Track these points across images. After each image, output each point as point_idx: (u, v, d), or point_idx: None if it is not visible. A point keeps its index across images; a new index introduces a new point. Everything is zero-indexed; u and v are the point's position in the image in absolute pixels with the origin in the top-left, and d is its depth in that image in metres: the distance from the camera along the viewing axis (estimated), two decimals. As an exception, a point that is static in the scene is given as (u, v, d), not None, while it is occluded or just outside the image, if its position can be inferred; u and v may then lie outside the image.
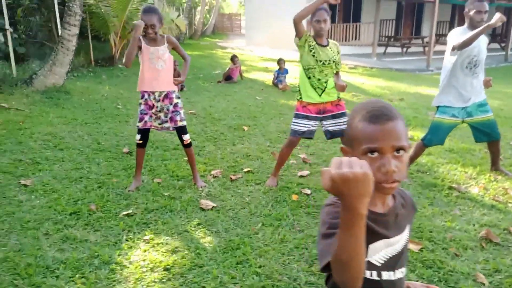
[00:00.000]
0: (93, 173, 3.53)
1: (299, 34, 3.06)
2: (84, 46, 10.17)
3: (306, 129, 3.20)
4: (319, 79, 3.12)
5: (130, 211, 2.83)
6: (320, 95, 3.16)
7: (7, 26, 7.09)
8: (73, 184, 3.29)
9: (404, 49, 15.47)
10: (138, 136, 3.25)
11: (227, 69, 8.86)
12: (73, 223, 2.66)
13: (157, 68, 3.14)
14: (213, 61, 12.92)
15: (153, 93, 3.18)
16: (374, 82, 9.28)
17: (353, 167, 0.74)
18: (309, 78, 3.15)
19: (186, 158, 3.91)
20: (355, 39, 15.11)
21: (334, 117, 3.21)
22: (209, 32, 27.03)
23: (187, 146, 3.30)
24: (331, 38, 15.69)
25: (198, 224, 2.68)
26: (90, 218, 2.73)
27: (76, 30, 6.66)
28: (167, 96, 3.19)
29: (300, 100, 3.22)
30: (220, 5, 32.15)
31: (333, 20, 16.14)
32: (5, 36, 7.36)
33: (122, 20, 10.13)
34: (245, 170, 3.64)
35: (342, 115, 3.23)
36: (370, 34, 14.98)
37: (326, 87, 3.14)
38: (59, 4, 8.50)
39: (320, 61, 3.08)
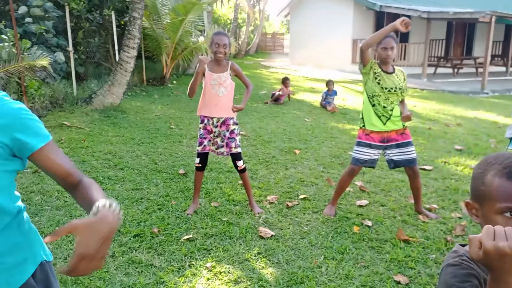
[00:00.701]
0: (152, 194, 3.62)
1: (364, 61, 3.02)
2: (137, 66, 10.62)
3: (368, 157, 3.12)
4: (384, 107, 3.05)
5: (191, 236, 2.86)
6: (384, 123, 3.08)
7: (70, 47, 7.56)
8: (135, 205, 3.38)
9: (455, 70, 14.92)
10: (197, 160, 3.30)
11: (278, 91, 8.79)
12: (137, 245, 2.72)
13: (217, 94, 3.19)
14: (258, 81, 13.07)
15: (212, 118, 3.23)
16: (426, 104, 8.98)
17: (509, 239, 0.69)
18: (373, 105, 3.08)
19: (241, 182, 3.95)
20: (403, 59, 14.80)
21: (398, 146, 3.11)
22: (252, 52, 27.50)
23: (242, 171, 3.30)
24: (377, 58, 15.47)
25: (259, 253, 2.65)
26: (153, 241, 2.78)
27: (134, 53, 6.98)
28: (224, 122, 3.23)
29: (363, 128, 3.15)
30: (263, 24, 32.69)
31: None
32: (67, 56, 7.85)
33: (174, 41, 10.53)
34: (301, 196, 3.59)
35: (408, 144, 3.11)
36: (419, 54, 14.61)
37: (391, 115, 3.06)
38: (116, 26, 8.98)
39: (386, 88, 3.02)
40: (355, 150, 3.17)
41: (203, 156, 3.30)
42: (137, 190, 3.69)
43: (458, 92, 11.30)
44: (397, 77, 3.05)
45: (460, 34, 17.98)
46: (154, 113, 7.30)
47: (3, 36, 5.76)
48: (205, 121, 3.26)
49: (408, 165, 3.12)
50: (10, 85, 5.03)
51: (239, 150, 3.26)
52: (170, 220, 3.11)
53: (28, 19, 7.59)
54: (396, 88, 3.02)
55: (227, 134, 3.24)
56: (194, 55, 11.96)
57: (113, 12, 8.99)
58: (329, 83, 8.19)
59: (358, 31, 15.92)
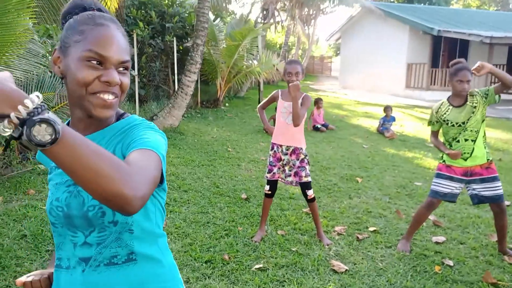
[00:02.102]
0: (218, 218, 3.63)
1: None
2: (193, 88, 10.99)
3: (449, 191, 2.94)
4: (465, 140, 2.89)
5: (262, 265, 2.80)
6: (465, 160, 2.91)
7: (136, 72, 7.96)
8: (202, 229, 3.40)
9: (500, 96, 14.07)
10: (267, 187, 3.29)
11: (310, 115, 8.23)
12: (210, 272, 2.71)
13: (286, 123, 3.18)
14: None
15: (281, 146, 3.22)
16: (492, 133, 8.47)
17: None
18: (450, 146, 2.96)
19: (305, 210, 3.87)
20: (461, 84, 14.21)
21: (483, 181, 2.91)
22: (300, 75, 27.60)
23: (311, 201, 3.23)
24: (433, 83, 14.98)
25: (335, 288, 2.55)
26: (224, 269, 2.75)
27: (195, 77, 7.21)
28: (294, 151, 3.20)
29: (443, 162, 3.00)
30: (312, 48, 32.83)
31: (435, 65, 15.45)
32: (132, 80, 8.27)
33: (229, 65, 10.80)
34: (371, 229, 3.45)
35: (494, 179, 2.90)
36: (480, 79, 13.97)
37: (472, 151, 2.89)
38: (176, 52, 9.38)
39: (457, 123, 2.88)
40: (434, 182, 3.00)
41: (273, 184, 3.28)
42: (203, 214, 3.72)
43: (525, 120, 10.61)
44: (470, 105, 2.87)
45: (523, 59, 17.05)
46: (211, 135, 7.45)
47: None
48: (275, 148, 3.26)
49: (494, 202, 2.90)
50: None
51: (309, 179, 3.20)
52: (239, 247, 3.08)
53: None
54: (464, 122, 2.86)
55: (297, 163, 3.19)
56: (247, 79, 12.19)
57: (174, 38, 9.40)
58: (387, 108, 7.99)
59: (413, 55, 15.55)
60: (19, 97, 0.64)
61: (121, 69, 0.91)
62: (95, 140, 0.95)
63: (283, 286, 2.58)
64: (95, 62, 0.88)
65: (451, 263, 2.88)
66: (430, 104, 12.99)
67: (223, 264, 2.82)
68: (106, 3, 6.35)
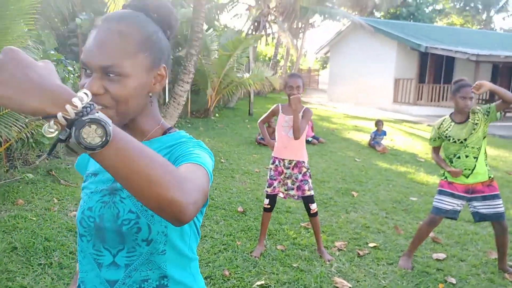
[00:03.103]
0: (215, 232, 3.54)
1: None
2: (184, 98, 10.91)
3: (450, 207, 2.94)
4: (466, 156, 2.90)
5: (263, 282, 2.74)
6: (467, 177, 2.92)
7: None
8: (200, 243, 3.31)
9: (503, 113, 14.42)
10: (266, 201, 3.24)
11: None
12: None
13: (288, 137, 3.16)
14: (299, 116, 13.08)
15: (283, 160, 3.19)
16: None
17: None
18: (451, 162, 2.97)
19: (303, 224, 3.83)
20: (445, 100, 14.48)
21: (485, 198, 2.92)
22: (288, 87, 27.79)
23: (313, 215, 3.19)
24: (420, 99, 15.25)
25: (340, 307, 2.49)
26: (225, 285, 2.68)
27: (188, 87, 7.17)
28: (296, 165, 3.17)
29: (445, 179, 3.00)
30: (299, 61, 33.15)
31: (422, 80, 15.75)
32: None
33: (220, 76, 10.79)
34: (371, 245, 3.42)
35: (495, 197, 2.92)
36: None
37: (473, 168, 2.90)
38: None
39: (458, 140, 2.90)
40: (437, 199, 3.00)
41: (272, 198, 3.24)
42: (200, 228, 3.63)
43: (509, 137, 10.84)
44: (472, 121, 2.89)
45: (505, 77, 17.52)
46: (203, 146, 7.36)
47: (69, 68, 6.04)
48: (276, 162, 3.22)
49: (496, 220, 2.91)
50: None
51: (312, 192, 3.17)
52: (239, 262, 3.01)
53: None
54: (465, 139, 2.88)
55: (300, 177, 3.16)
56: (238, 90, 12.18)
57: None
58: (378, 123, 8.05)
59: (401, 70, 15.83)
60: (67, 95, 0.58)
61: (111, 75, 0.79)
62: None
63: (287, 304, 2.52)
64: (84, 70, 0.82)
65: (453, 280, 2.86)
66: (417, 119, 13.19)
67: (224, 280, 2.74)
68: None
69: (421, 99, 15.24)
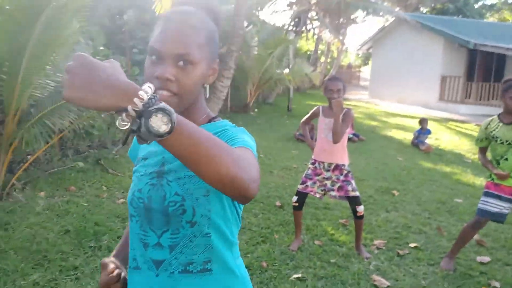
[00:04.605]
0: (253, 224, 3.61)
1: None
2: (224, 93, 11.07)
3: (497, 210, 2.83)
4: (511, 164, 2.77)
5: (300, 275, 2.76)
6: None
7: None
8: (239, 234, 3.38)
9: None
10: (295, 198, 3.22)
11: None
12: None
13: (328, 139, 3.11)
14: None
15: (323, 162, 3.16)
16: None
17: None
18: (498, 164, 2.84)
19: (341, 221, 3.81)
20: (495, 99, 13.74)
21: (535, 202, 2.78)
22: (328, 83, 27.41)
23: (359, 218, 3.12)
24: (468, 97, 14.58)
25: (378, 304, 2.48)
26: (263, 276, 2.73)
27: (228, 82, 7.27)
28: (336, 167, 3.13)
29: (491, 180, 2.89)
30: (339, 56, 32.58)
31: (471, 78, 15.04)
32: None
33: (260, 72, 10.86)
34: (412, 245, 3.35)
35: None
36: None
37: None
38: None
39: (507, 141, 2.77)
40: (483, 200, 2.90)
41: (302, 196, 3.20)
42: (239, 220, 3.71)
43: None
44: None
45: None
46: (242, 141, 7.46)
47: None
48: (316, 164, 3.20)
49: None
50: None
51: (357, 193, 3.09)
52: (276, 255, 3.05)
53: (134, 50, 8.31)
54: None
55: (341, 177, 3.11)
56: (277, 86, 12.21)
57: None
58: (423, 121, 7.81)
59: (447, 68, 15.19)
60: (134, 90, 0.65)
61: (180, 63, 0.85)
62: None
63: (324, 298, 2.53)
64: (154, 57, 0.86)
65: (498, 285, 2.76)
66: (464, 118, 12.63)
67: (261, 271, 2.80)
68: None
69: (469, 98, 14.55)
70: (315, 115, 3.28)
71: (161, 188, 0.92)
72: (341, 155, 3.13)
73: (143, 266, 0.95)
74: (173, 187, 0.91)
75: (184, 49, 0.85)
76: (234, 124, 0.98)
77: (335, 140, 2.97)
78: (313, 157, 3.25)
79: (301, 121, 3.47)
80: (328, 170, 3.15)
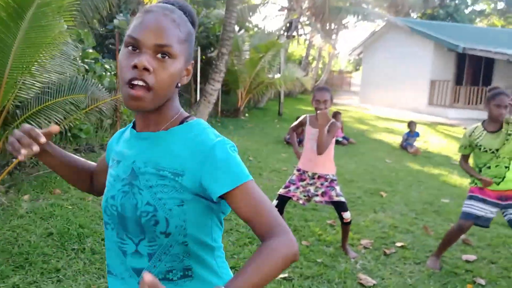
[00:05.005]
0: (241, 226, 3.59)
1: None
2: (215, 98, 11.07)
3: (482, 214, 2.82)
4: (496, 166, 2.79)
5: (287, 275, 2.75)
6: (498, 184, 2.80)
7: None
8: (225, 235, 3.37)
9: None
10: (274, 202, 3.17)
11: None
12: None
13: (314, 150, 3.07)
14: (330, 118, 12.96)
15: (307, 172, 3.16)
16: None
17: None
18: (480, 171, 2.85)
19: (329, 221, 3.81)
20: (483, 103, 13.93)
21: (520, 204, 2.80)
22: (320, 88, 27.56)
23: (346, 224, 3.08)
24: (457, 101, 14.74)
25: (363, 303, 2.47)
26: (248, 277, 2.70)
27: (218, 86, 7.28)
28: (320, 177, 3.12)
29: (475, 185, 2.90)
30: (330, 62, 32.80)
31: (459, 82, 15.22)
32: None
33: (251, 76, 10.88)
34: (398, 244, 3.35)
35: (531, 202, 2.79)
36: (505, 98, 13.64)
37: (504, 176, 2.79)
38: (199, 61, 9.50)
39: (490, 149, 2.77)
40: (467, 204, 2.89)
41: (283, 200, 3.16)
42: (226, 221, 3.69)
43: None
44: (505, 132, 2.74)
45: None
46: (232, 144, 7.45)
47: (106, 66, 6.28)
48: (301, 172, 3.19)
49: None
50: (108, 111, 5.45)
51: (342, 199, 3.04)
52: (263, 256, 3.03)
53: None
54: (497, 149, 2.76)
55: (326, 183, 3.10)
56: (268, 90, 12.24)
57: (198, 47, 9.54)
58: (411, 124, 7.87)
59: (437, 72, 15.36)
60: None
61: (159, 55, 0.82)
62: (153, 141, 0.90)
63: (309, 297, 2.52)
64: (131, 47, 0.83)
65: (483, 282, 2.77)
66: (453, 122, 12.76)
67: (248, 271, 2.77)
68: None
69: (458, 102, 14.72)
70: (302, 124, 3.26)
71: (133, 196, 0.88)
72: (327, 165, 3.11)
73: (123, 275, 0.92)
74: (145, 196, 0.86)
75: (166, 40, 0.82)
76: (208, 125, 0.94)
77: (319, 152, 2.92)
78: (298, 165, 3.22)
79: (290, 127, 3.46)
80: (313, 178, 3.14)
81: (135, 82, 0.81)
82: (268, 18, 20.30)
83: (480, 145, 2.82)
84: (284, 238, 0.80)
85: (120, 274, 0.93)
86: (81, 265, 2.68)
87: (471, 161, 2.99)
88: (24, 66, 3.64)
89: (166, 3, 0.91)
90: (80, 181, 1.13)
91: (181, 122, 0.92)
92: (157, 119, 0.91)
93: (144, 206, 0.86)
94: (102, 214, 0.94)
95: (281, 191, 3.18)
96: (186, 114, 0.96)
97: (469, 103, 14.39)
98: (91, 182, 1.15)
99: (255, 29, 15.25)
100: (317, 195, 3.11)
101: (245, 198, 0.84)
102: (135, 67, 0.81)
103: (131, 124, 0.99)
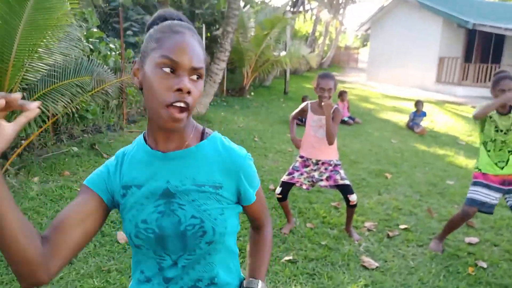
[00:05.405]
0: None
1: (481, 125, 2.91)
2: (220, 76, 10.99)
3: (487, 200, 2.83)
4: (500, 149, 2.78)
5: (291, 257, 2.81)
6: (502, 168, 2.80)
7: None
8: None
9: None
10: (278, 190, 3.19)
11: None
12: (240, 261, 2.73)
13: (317, 136, 3.09)
14: (335, 96, 12.87)
15: (310, 159, 3.17)
16: None
17: None
18: (488, 151, 2.84)
19: (333, 204, 3.85)
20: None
21: (522, 189, 2.80)
22: (325, 65, 27.23)
23: (352, 207, 3.10)
24: (465, 79, 14.53)
25: (366, 285, 2.53)
26: (254, 259, 2.77)
27: (224, 65, 7.22)
28: (324, 163, 3.13)
29: (479, 170, 2.90)
30: (338, 38, 32.22)
31: (469, 59, 14.95)
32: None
33: (257, 54, 10.76)
34: (402, 227, 3.40)
35: (533, 188, 2.80)
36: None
37: (508, 159, 2.78)
38: (204, 39, 9.38)
39: (501, 130, 2.76)
40: (472, 190, 2.90)
41: (286, 187, 3.17)
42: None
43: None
44: None
45: None
46: (237, 124, 7.47)
47: (111, 46, 6.25)
48: (304, 158, 3.20)
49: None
50: (114, 92, 5.46)
51: (347, 182, 3.06)
52: (268, 238, 3.09)
53: (128, 32, 8.22)
54: (508, 130, 2.74)
55: (330, 168, 3.11)
56: (274, 68, 12.12)
57: (203, 25, 9.41)
58: (418, 103, 7.80)
59: (446, 49, 15.08)
60: None
61: (194, 77, 0.86)
62: (185, 159, 0.93)
63: (313, 279, 2.59)
64: (168, 69, 0.84)
65: (484, 265, 2.82)
66: (461, 100, 12.62)
67: (253, 254, 2.84)
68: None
69: (466, 79, 14.51)
70: (303, 112, 3.23)
71: (173, 214, 0.91)
72: (330, 151, 3.10)
73: (154, 281, 0.97)
74: (188, 210, 0.91)
75: (201, 63, 0.87)
76: (227, 139, 1.00)
77: (330, 142, 2.92)
78: (300, 153, 3.22)
79: (291, 115, 3.44)
80: (316, 164, 3.15)
81: (178, 104, 0.84)
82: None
83: (493, 120, 2.79)
84: (270, 227, 1.13)
85: (152, 281, 0.97)
86: (92, 247, 2.76)
87: (478, 140, 2.98)
88: (30, 49, 3.64)
89: (172, 17, 0.93)
90: (28, 241, 0.79)
91: (202, 135, 0.98)
92: (182, 134, 0.94)
93: (189, 220, 0.90)
94: (131, 240, 0.93)
95: (285, 178, 3.19)
96: (199, 125, 1.01)
97: (478, 81, 14.19)
98: (41, 250, 0.82)
99: (261, 4, 14.96)
100: (322, 180, 3.14)
101: (258, 200, 1.03)
102: (179, 90, 0.83)
103: (135, 146, 0.99)
